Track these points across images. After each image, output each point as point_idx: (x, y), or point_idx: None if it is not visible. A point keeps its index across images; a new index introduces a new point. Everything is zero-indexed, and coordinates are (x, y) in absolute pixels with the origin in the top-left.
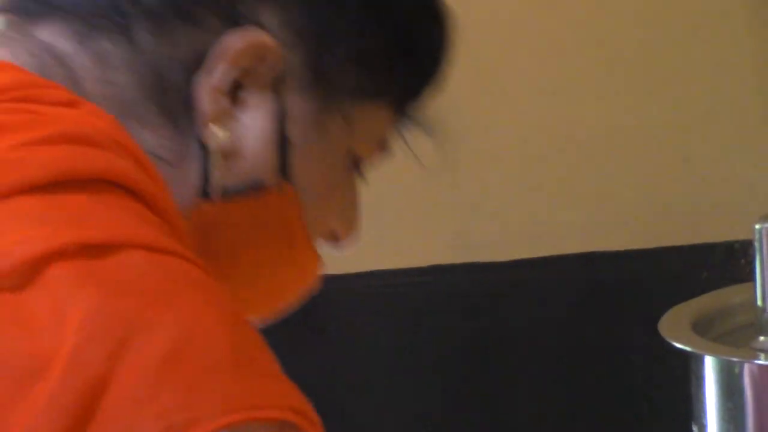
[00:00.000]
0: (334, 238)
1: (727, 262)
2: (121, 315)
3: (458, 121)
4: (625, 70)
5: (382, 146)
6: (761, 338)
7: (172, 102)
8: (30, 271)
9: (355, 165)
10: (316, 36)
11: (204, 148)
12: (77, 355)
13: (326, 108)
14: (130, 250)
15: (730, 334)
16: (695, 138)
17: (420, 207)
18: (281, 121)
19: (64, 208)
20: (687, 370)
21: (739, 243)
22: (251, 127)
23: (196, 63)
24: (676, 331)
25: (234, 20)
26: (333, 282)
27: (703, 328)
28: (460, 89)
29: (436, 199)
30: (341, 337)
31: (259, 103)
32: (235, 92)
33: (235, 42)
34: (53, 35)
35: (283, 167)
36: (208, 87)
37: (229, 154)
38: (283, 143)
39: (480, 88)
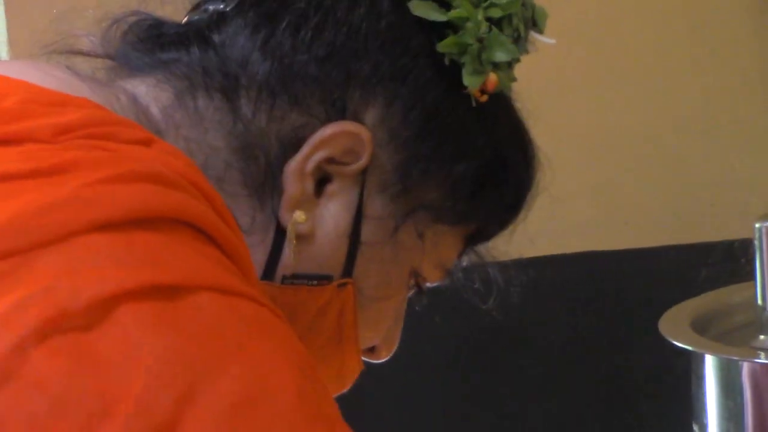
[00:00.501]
0: (371, 351)
1: (727, 260)
2: (190, 359)
3: None
4: (626, 70)
5: (444, 271)
6: (761, 337)
7: (260, 175)
8: (101, 311)
9: (414, 283)
10: (411, 144)
11: (280, 228)
12: (145, 398)
13: (403, 217)
14: (202, 293)
15: (730, 333)
16: (695, 137)
17: None
18: (357, 218)
19: (137, 247)
20: (687, 368)
21: (739, 242)
22: (329, 217)
23: (291, 144)
24: (676, 330)
25: (340, 111)
26: None
27: (703, 326)
28: None
29: None
30: None
31: (340, 194)
32: (321, 181)
33: (332, 128)
34: (147, 87)
35: (349, 264)
36: (299, 169)
37: (303, 239)
38: (354, 239)
39: None
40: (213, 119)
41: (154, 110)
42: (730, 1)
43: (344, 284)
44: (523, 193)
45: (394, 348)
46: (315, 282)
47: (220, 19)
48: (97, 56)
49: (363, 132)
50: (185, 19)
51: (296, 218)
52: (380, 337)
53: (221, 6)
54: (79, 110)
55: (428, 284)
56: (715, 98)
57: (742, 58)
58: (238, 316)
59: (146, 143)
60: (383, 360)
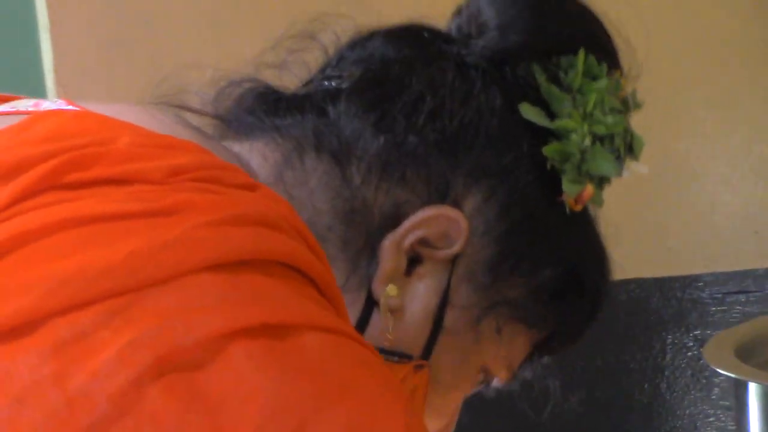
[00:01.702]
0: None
1: None
2: (301, 397)
3: None
4: (661, 95)
5: (511, 372)
6: None
7: (358, 243)
8: (213, 349)
9: (483, 380)
10: (504, 240)
11: (370, 298)
12: None
13: (485, 311)
14: (309, 332)
15: None
16: (737, 164)
17: None
18: (443, 303)
19: (246, 287)
20: (730, 396)
21: None
22: (417, 297)
23: (391, 219)
24: (720, 357)
25: (441, 195)
26: None
27: (746, 354)
28: None
29: None
30: None
31: (430, 277)
32: (411, 260)
33: (433, 210)
34: (255, 147)
35: (429, 347)
36: (396, 244)
37: (393, 315)
38: (438, 324)
39: None
40: (320, 181)
41: (261, 166)
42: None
43: (421, 366)
44: (597, 308)
45: None
46: (396, 358)
47: (336, 93)
48: (206, 114)
49: (461, 219)
50: (297, 92)
51: (389, 291)
52: (440, 427)
53: (336, 83)
54: (188, 154)
55: (495, 382)
56: (750, 125)
57: None
58: (344, 355)
59: (251, 188)
60: None
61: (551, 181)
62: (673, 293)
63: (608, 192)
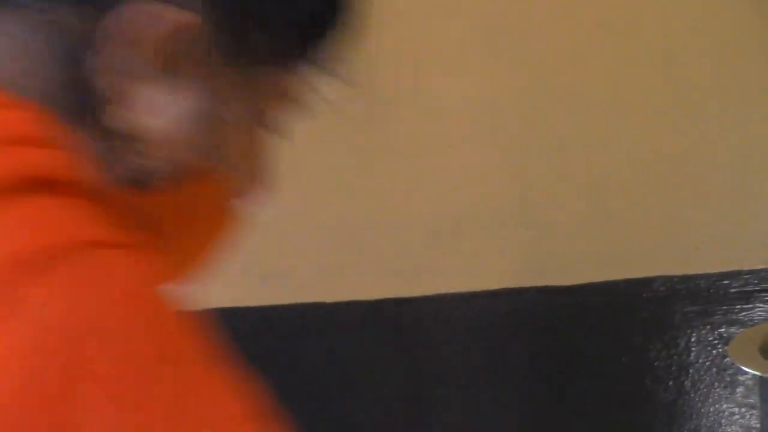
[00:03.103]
0: (240, 193)
1: None
2: (77, 317)
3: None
4: (684, 100)
5: (286, 98)
6: None
7: (66, 80)
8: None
9: (265, 120)
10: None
11: (101, 128)
12: (32, 364)
13: (243, 71)
14: (83, 250)
15: None
16: (763, 161)
17: (492, 232)
18: (208, 96)
19: (10, 212)
20: (755, 394)
21: None
22: (176, 105)
23: (87, 40)
24: (745, 355)
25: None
26: (421, 304)
27: None
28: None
29: (507, 225)
30: (425, 356)
31: (181, 81)
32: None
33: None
34: None
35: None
36: (102, 68)
37: (140, 136)
38: (210, 115)
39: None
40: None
41: None
42: None
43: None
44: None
45: (258, 183)
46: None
47: None
48: None
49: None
50: None
51: (125, 117)
52: (241, 180)
53: None
54: None
55: (276, 115)
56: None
57: None
58: (120, 270)
59: None
60: (259, 201)
61: None
62: (698, 291)
63: (633, 190)
